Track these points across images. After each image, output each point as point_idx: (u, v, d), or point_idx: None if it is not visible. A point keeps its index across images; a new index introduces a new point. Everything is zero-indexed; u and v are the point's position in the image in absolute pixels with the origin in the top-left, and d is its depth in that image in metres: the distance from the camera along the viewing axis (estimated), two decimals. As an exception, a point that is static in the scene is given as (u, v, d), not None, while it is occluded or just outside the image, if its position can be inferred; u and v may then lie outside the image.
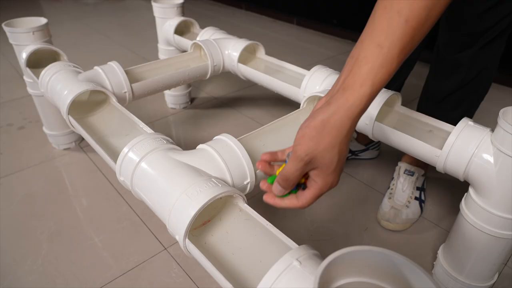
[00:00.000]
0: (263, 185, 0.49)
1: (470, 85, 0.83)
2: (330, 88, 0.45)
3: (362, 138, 1.11)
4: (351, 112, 0.41)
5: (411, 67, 1.02)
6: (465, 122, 0.63)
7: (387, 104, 0.77)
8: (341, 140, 0.42)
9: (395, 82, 1.01)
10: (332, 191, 1.01)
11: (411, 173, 0.94)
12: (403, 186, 0.93)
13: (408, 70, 1.03)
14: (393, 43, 0.40)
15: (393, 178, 0.98)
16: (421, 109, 0.92)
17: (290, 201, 0.47)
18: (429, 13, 0.40)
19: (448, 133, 0.63)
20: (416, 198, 0.93)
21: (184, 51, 1.17)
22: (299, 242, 0.43)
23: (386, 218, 0.88)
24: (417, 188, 0.94)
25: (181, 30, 1.22)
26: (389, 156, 1.14)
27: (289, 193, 0.47)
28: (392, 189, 0.94)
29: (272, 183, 0.47)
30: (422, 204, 0.93)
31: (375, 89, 0.41)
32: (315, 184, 0.45)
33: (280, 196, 0.48)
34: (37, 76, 0.87)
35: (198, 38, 1.14)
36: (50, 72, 0.84)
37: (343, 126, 0.41)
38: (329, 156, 0.42)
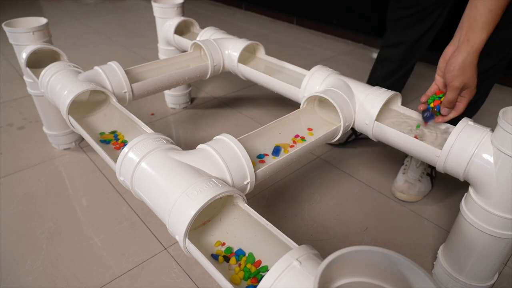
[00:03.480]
0: (421, 107, 0.73)
1: (500, 65, 0.86)
2: (454, 38, 0.72)
3: None
4: (475, 52, 0.66)
5: (410, 71, 1.10)
6: (465, 122, 0.63)
7: (387, 104, 0.77)
8: (472, 69, 0.67)
9: (399, 86, 1.10)
10: (332, 191, 1.01)
11: None
12: (417, 163, 1.01)
13: (408, 75, 1.12)
14: (499, 8, 0.63)
15: (407, 155, 1.06)
16: None
17: (453, 114, 0.71)
18: None
19: (448, 133, 0.63)
20: (428, 174, 1.00)
21: (184, 51, 1.17)
22: (299, 242, 0.43)
23: (400, 190, 0.97)
24: (430, 165, 1.01)
25: (181, 30, 1.22)
26: (389, 156, 1.14)
27: (433, 115, 0.72)
28: (406, 165, 1.03)
29: (430, 102, 0.72)
30: (433, 180, 1.01)
31: (485, 37, 0.65)
32: (464, 98, 0.69)
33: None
34: (37, 76, 0.87)
35: (198, 38, 1.14)
36: (50, 72, 0.84)
37: (473, 62, 0.66)
38: (469, 81, 0.67)
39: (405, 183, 0.97)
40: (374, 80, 1.11)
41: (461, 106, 0.70)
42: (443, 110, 0.70)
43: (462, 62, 0.66)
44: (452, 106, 0.70)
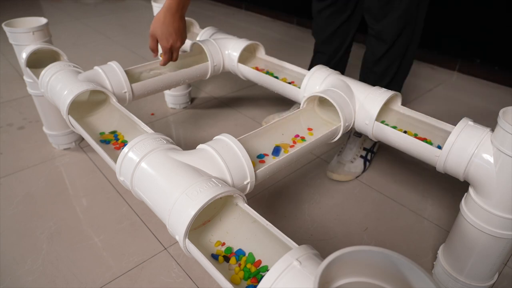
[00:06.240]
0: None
1: (395, 47, 0.96)
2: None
3: None
4: (165, 9, 0.85)
5: (343, 58, 1.18)
6: (465, 122, 0.63)
7: (387, 104, 0.77)
8: (161, 23, 0.85)
9: (327, 50, 1.17)
10: (332, 191, 1.01)
11: (359, 135, 1.08)
12: (350, 145, 1.08)
13: (343, 62, 1.19)
14: None
15: (348, 137, 1.11)
16: (362, 75, 1.09)
17: (163, 60, 0.92)
18: None
19: (448, 133, 0.63)
20: (361, 156, 1.06)
21: (184, 51, 1.17)
22: (299, 242, 0.43)
23: (330, 169, 1.04)
24: (364, 148, 1.08)
25: (181, 30, 1.22)
26: (389, 156, 1.14)
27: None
28: (342, 148, 1.10)
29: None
30: (367, 163, 1.07)
31: (170, 1, 0.84)
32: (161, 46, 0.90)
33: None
34: (37, 76, 0.87)
35: (198, 38, 1.14)
36: (50, 72, 0.84)
37: (161, 18, 0.85)
38: (155, 31, 0.87)
39: (337, 164, 1.05)
40: None
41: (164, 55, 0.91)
42: (153, 54, 0.93)
43: (155, 17, 0.87)
44: (152, 49, 0.90)
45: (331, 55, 1.16)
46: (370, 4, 0.95)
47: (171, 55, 0.90)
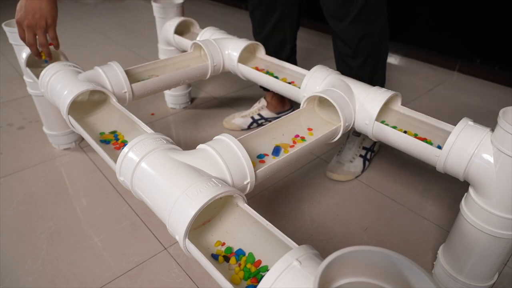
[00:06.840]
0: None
1: (360, 47, 0.95)
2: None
3: (272, 107, 1.22)
4: None
5: (287, 42, 1.15)
6: (465, 122, 0.63)
7: (387, 104, 0.77)
8: (25, 1, 0.85)
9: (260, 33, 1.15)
10: (332, 191, 1.01)
11: (358, 134, 1.07)
12: (349, 145, 1.07)
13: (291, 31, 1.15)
14: None
15: (348, 137, 1.10)
16: (339, 68, 1.06)
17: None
18: None
19: (448, 133, 0.63)
20: (361, 156, 1.06)
21: (184, 51, 1.17)
22: (299, 242, 0.43)
23: (330, 169, 1.04)
24: (364, 148, 1.07)
25: (181, 30, 1.22)
26: (389, 156, 1.14)
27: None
28: (341, 147, 1.09)
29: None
30: (366, 162, 1.07)
31: None
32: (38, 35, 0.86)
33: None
34: (37, 76, 0.87)
35: (198, 38, 1.14)
36: (50, 72, 0.84)
37: (24, 5, 0.84)
38: (21, 18, 0.85)
39: (336, 163, 1.05)
40: None
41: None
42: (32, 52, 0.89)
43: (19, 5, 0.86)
44: (21, 38, 0.87)
45: (275, 55, 1.09)
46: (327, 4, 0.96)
47: (35, 36, 0.86)
